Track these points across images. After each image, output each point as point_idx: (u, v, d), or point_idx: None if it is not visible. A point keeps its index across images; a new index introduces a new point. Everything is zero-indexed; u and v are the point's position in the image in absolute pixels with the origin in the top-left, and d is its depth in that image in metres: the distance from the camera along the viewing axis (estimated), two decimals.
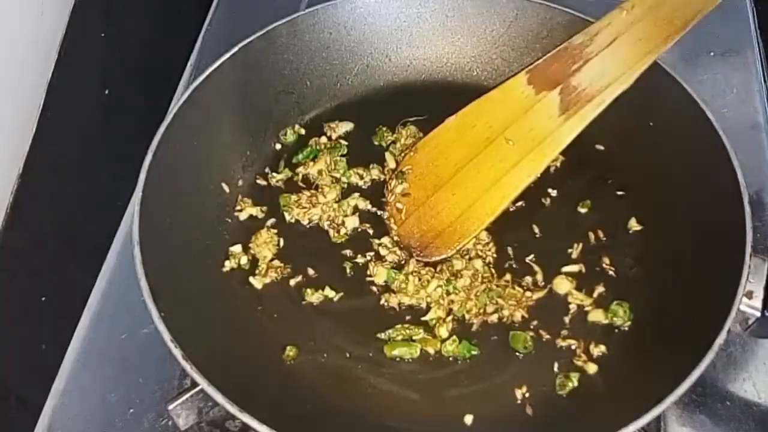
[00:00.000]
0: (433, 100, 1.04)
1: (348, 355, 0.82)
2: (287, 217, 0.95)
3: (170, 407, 0.72)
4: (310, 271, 0.89)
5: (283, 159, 1.00)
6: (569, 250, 0.90)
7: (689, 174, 0.88)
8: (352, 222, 0.94)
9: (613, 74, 0.90)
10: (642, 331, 0.81)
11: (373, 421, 0.77)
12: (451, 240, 0.89)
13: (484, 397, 0.79)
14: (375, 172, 0.98)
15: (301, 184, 0.98)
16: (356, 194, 0.96)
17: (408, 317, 0.85)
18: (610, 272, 0.88)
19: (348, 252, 0.91)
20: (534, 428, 0.77)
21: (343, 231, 0.93)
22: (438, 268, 0.88)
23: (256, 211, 0.94)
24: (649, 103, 0.94)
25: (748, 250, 0.75)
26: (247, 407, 0.67)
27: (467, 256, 0.90)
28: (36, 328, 0.94)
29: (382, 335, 0.83)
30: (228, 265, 0.89)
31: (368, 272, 0.89)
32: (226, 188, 0.94)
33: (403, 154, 0.99)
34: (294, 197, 0.96)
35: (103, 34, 1.11)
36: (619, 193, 0.95)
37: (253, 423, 0.67)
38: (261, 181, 0.98)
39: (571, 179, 0.97)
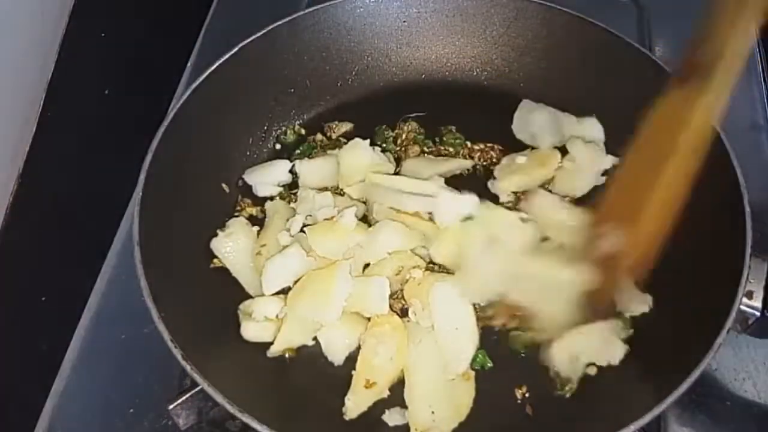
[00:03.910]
0: (433, 100, 1.04)
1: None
2: None
3: (170, 407, 0.73)
4: None
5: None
6: None
7: None
8: None
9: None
10: (642, 332, 0.81)
11: (372, 421, 0.77)
12: None
13: (484, 397, 0.79)
14: None
15: None
16: None
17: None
18: None
19: None
20: (534, 428, 0.77)
21: None
22: None
23: (255, 212, 0.94)
24: (650, 104, 0.93)
25: (748, 250, 0.75)
26: (247, 407, 0.67)
27: None
28: (36, 328, 0.94)
29: None
30: None
31: None
32: (226, 188, 0.94)
33: (403, 149, 0.99)
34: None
35: (103, 34, 1.11)
36: None
37: (253, 423, 0.67)
38: None
39: None
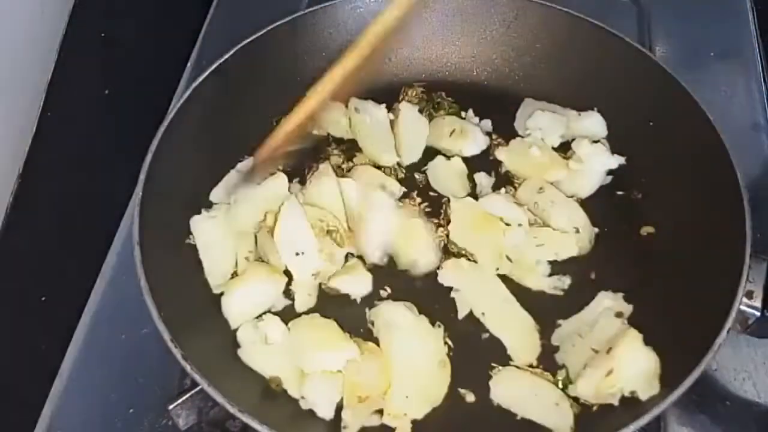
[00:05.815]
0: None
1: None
2: None
3: (170, 407, 0.73)
4: None
5: None
6: None
7: (689, 174, 0.88)
8: None
9: None
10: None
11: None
12: None
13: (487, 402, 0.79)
14: None
15: None
16: None
17: None
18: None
19: None
20: (535, 429, 0.77)
21: None
22: None
23: None
24: (649, 103, 0.94)
25: (748, 250, 0.75)
26: (247, 407, 0.67)
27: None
28: (36, 328, 0.94)
29: None
30: None
31: None
32: None
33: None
34: None
35: (103, 34, 1.11)
36: (619, 193, 0.95)
37: (253, 423, 0.67)
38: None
39: None
